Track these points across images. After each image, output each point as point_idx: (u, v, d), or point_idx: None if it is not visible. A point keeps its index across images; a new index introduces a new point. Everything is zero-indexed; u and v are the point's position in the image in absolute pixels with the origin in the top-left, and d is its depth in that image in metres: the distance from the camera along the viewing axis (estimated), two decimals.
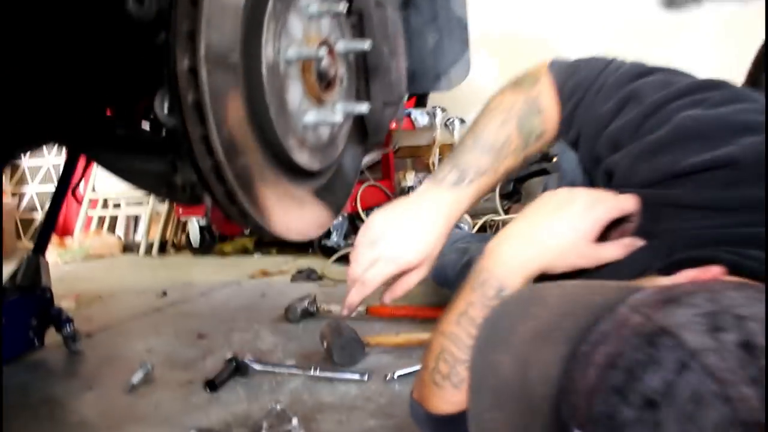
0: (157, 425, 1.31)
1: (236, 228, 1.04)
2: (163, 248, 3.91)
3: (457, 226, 2.13)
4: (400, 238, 1.00)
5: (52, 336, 1.83)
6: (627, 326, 0.55)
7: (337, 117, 0.88)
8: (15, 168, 4.86)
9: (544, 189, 2.17)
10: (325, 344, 1.61)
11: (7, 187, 4.75)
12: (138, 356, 1.75)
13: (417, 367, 1.44)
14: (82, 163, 1.97)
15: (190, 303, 2.41)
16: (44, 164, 4.74)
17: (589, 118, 1.07)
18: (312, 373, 1.48)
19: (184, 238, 3.96)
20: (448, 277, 1.90)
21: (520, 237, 0.91)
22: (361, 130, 1.18)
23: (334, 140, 1.01)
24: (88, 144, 1.28)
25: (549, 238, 0.89)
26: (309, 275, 2.71)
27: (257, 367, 1.51)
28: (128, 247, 4.03)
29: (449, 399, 0.88)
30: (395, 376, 1.45)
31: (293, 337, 1.83)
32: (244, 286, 2.69)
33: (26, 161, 4.81)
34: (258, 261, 3.37)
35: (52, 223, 1.95)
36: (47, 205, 3.96)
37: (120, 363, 1.71)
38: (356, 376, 1.45)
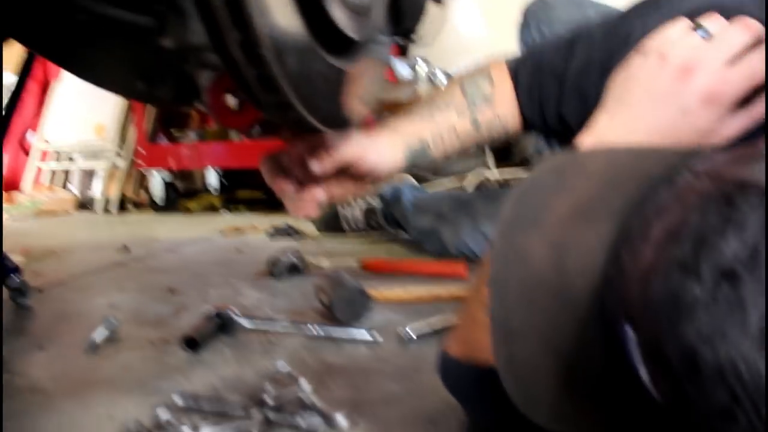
0: (127, 391, 1.04)
1: (243, 121, 0.79)
2: (122, 206, 3.62)
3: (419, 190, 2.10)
4: None
5: None
6: (693, 192, 0.43)
7: None
8: None
9: (537, 151, 2.08)
10: (323, 298, 1.36)
11: None
12: (99, 312, 1.48)
13: (437, 325, 1.24)
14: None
15: (156, 258, 2.14)
16: None
17: (544, 73, 1.12)
18: (313, 331, 1.23)
19: (145, 195, 3.67)
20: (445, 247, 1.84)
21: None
22: (393, 11, 0.92)
23: (369, 6, 0.76)
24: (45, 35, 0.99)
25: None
26: (287, 231, 2.46)
27: (246, 323, 1.26)
28: (84, 205, 3.72)
29: None
30: (414, 335, 1.20)
31: (280, 293, 1.57)
32: (216, 243, 2.43)
33: None
34: (227, 219, 3.10)
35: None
36: None
37: (78, 320, 1.44)
38: (366, 335, 1.20)
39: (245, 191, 3.53)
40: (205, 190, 3.50)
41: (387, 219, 2.18)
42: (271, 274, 1.73)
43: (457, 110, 1.14)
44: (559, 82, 1.16)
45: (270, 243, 2.35)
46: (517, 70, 1.24)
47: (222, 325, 1.25)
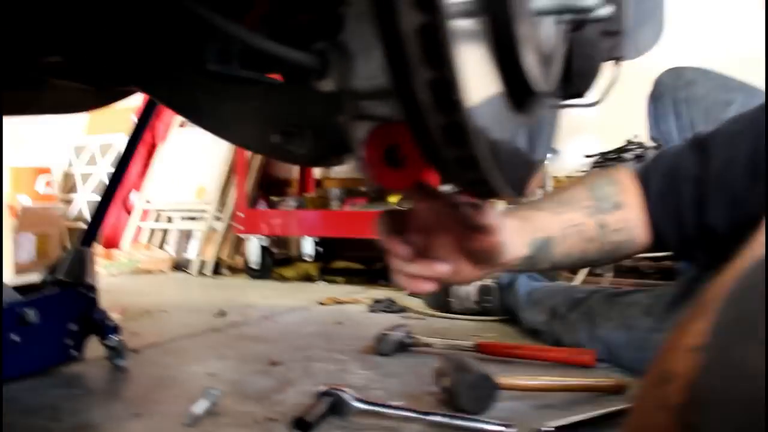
0: None
1: (403, 180, 0.70)
2: (217, 269, 3.59)
3: (535, 278, 1.99)
4: None
5: (91, 348, 1.49)
6: None
7: (588, 1, 0.53)
8: (67, 175, 4.62)
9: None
10: (443, 383, 1.23)
11: (57, 193, 4.50)
12: (197, 381, 1.39)
13: (577, 417, 1.10)
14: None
15: (254, 326, 2.06)
16: (96, 172, 4.48)
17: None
18: (435, 418, 1.10)
19: (240, 259, 3.65)
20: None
21: None
22: (566, 69, 0.82)
23: (552, 57, 0.66)
24: (172, 82, 0.94)
25: None
26: (389, 305, 2.35)
27: (360, 405, 1.14)
28: (179, 265, 3.71)
29: None
30: (552, 427, 1.06)
31: (390, 373, 1.45)
32: (314, 313, 2.33)
33: (79, 168, 4.56)
34: (323, 288, 3.02)
35: (104, 209, 1.61)
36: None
37: (175, 387, 1.35)
38: (498, 427, 1.07)
39: (341, 261, 3.46)
40: (300, 258, 3.45)
41: (500, 303, 2.05)
42: (377, 351, 1.61)
43: (584, 211, 1.08)
44: (698, 187, 1.08)
45: (371, 317, 2.24)
46: (646, 175, 1.16)
47: (333, 405, 1.14)
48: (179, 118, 4.05)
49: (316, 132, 0.77)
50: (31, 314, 1.33)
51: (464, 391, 1.17)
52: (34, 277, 1.52)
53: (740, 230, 0.88)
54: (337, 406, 1.13)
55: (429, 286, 0.89)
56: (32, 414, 1.18)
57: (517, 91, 0.57)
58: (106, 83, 1.10)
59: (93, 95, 1.32)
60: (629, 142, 2.88)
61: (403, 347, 1.63)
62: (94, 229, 1.62)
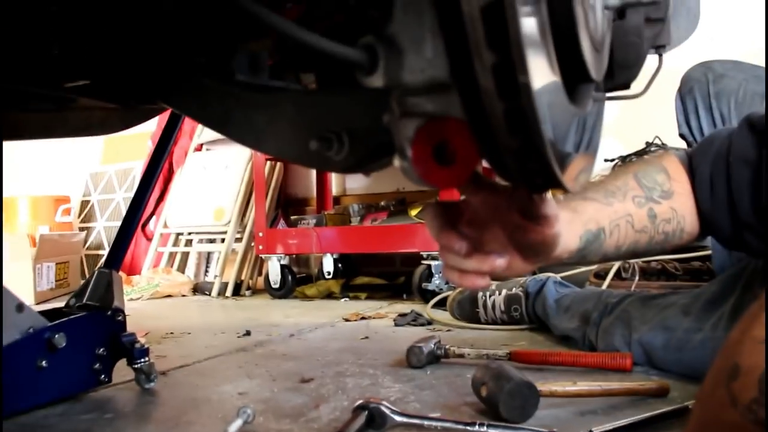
0: None
1: (453, 177, 0.67)
2: (237, 290, 3.57)
3: (564, 285, 1.96)
4: None
5: (118, 371, 1.47)
6: None
7: None
8: (84, 203, 4.63)
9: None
10: (481, 392, 1.20)
11: (75, 221, 4.51)
12: (229, 400, 1.37)
13: (622, 422, 1.07)
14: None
15: (280, 344, 2.03)
16: (115, 198, 4.49)
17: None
18: (477, 428, 1.07)
19: (260, 280, 3.64)
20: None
21: None
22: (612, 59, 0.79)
23: (602, 44, 0.64)
24: (202, 96, 0.93)
25: None
26: (415, 319, 2.32)
27: (399, 418, 1.11)
28: (199, 288, 3.69)
29: None
30: None
31: (424, 386, 1.42)
32: (340, 329, 2.30)
33: (96, 196, 4.57)
34: (346, 305, 3.00)
35: (128, 231, 1.60)
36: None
37: (207, 407, 1.33)
38: None
39: (363, 277, 3.44)
40: (321, 275, 3.43)
41: (528, 312, 2.02)
42: (409, 364, 1.58)
43: (634, 201, 1.06)
44: (755, 169, 1.04)
45: (398, 330, 2.21)
46: (693, 161, 1.13)
47: (371, 419, 1.11)
48: (195, 142, 4.06)
49: (352, 137, 0.75)
50: (59, 339, 1.31)
51: (505, 399, 1.14)
52: (54, 305, 1.50)
53: None
54: (375, 420, 1.10)
55: (483, 282, 0.86)
56: None
57: (573, 78, 0.55)
58: (133, 101, 1.09)
59: (118, 115, 1.31)
60: (649, 144, 2.85)
61: (435, 359, 1.60)
62: (118, 252, 1.60)
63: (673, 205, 1.09)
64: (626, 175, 1.11)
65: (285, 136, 0.84)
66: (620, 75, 0.82)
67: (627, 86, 0.87)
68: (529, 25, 0.45)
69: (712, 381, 0.66)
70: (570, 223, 0.97)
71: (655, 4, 0.55)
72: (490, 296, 2.11)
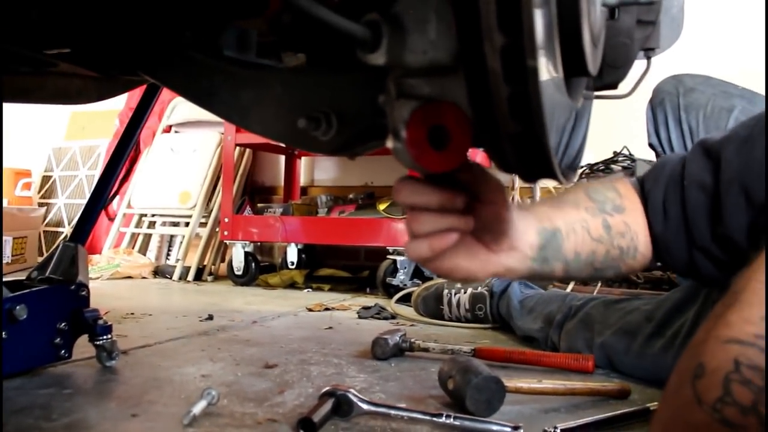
0: None
1: (447, 161, 0.67)
2: (199, 275, 3.54)
3: (529, 286, 2.00)
4: None
5: (78, 347, 1.44)
6: None
7: None
8: (46, 178, 4.54)
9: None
10: (449, 385, 1.21)
11: (35, 196, 4.43)
12: (192, 382, 1.35)
13: (585, 420, 1.09)
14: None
15: (243, 330, 2.02)
16: (78, 175, 4.41)
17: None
18: (444, 419, 1.07)
19: (222, 266, 3.61)
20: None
21: None
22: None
23: (599, 40, 0.64)
24: (187, 69, 0.91)
25: None
26: (378, 312, 2.32)
27: (365, 406, 1.11)
28: (160, 271, 3.65)
29: None
30: (559, 430, 1.04)
31: (389, 377, 1.42)
32: (303, 318, 2.30)
33: (58, 172, 4.49)
34: (309, 296, 2.99)
35: (98, 205, 1.57)
36: (77, 219, 3.67)
37: (170, 388, 1.31)
38: (507, 429, 1.04)
39: (327, 269, 3.44)
40: (284, 265, 3.41)
41: (493, 312, 2.03)
42: (374, 355, 1.59)
43: (588, 211, 1.05)
44: (711, 195, 1.05)
45: (361, 323, 2.21)
46: (644, 185, 1.13)
47: (338, 406, 1.11)
48: (164, 123, 4.01)
49: (341, 118, 0.75)
50: (20, 310, 1.28)
51: (472, 393, 1.14)
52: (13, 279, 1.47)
53: (760, 235, 0.86)
54: (342, 407, 1.10)
55: (452, 238, 0.84)
56: (21, 413, 1.13)
57: (570, 70, 0.55)
58: (116, 71, 1.07)
59: (97, 84, 1.28)
60: (617, 154, 2.89)
61: (400, 352, 1.61)
62: (85, 226, 1.58)
63: (626, 219, 1.09)
64: (577, 191, 1.11)
65: (271, 114, 0.83)
66: (609, 75, 0.83)
67: (614, 86, 0.88)
68: (538, 12, 0.45)
69: (677, 380, 0.67)
70: (525, 219, 0.97)
71: (651, 5, 0.56)
72: (455, 294, 2.12)
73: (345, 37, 0.55)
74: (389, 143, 0.62)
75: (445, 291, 2.15)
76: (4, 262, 3.59)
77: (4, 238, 3.59)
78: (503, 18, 0.42)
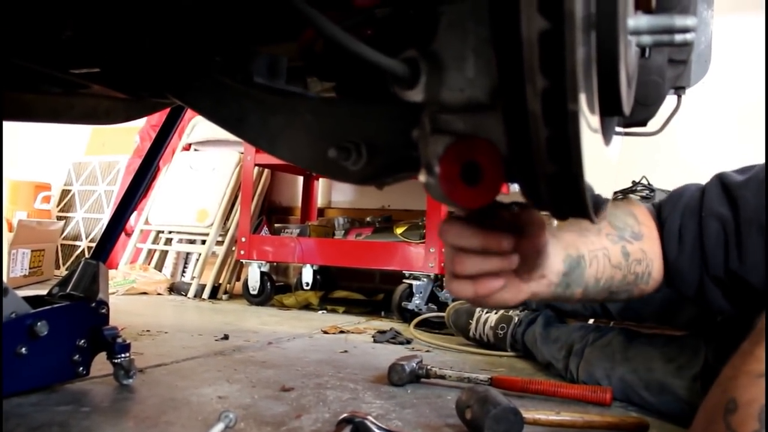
0: None
1: (479, 198, 0.67)
2: (214, 293, 3.55)
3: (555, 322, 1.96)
4: None
5: (95, 364, 1.45)
6: None
7: (688, 22, 0.52)
8: (65, 192, 4.58)
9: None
10: (467, 414, 1.20)
11: (54, 209, 4.46)
12: (208, 403, 1.36)
13: None
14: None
15: (259, 351, 2.02)
16: (97, 190, 4.45)
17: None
18: None
19: (238, 285, 3.62)
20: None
21: None
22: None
23: (633, 80, 0.64)
24: (218, 93, 0.92)
25: None
26: (394, 336, 2.32)
27: None
28: (175, 288, 3.66)
29: None
30: None
31: (406, 404, 1.42)
32: (318, 341, 2.29)
33: (78, 186, 4.53)
34: (324, 317, 2.99)
35: (121, 223, 1.58)
36: (94, 233, 3.67)
37: (187, 409, 1.31)
38: None
39: (342, 291, 3.44)
40: (299, 286, 3.42)
41: (515, 336, 2.03)
42: (390, 381, 1.58)
43: (609, 238, 1.08)
44: (727, 227, 1.08)
45: (377, 347, 2.20)
46: (661, 211, 1.16)
47: (356, 431, 1.11)
48: (184, 141, 4.04)
49: (371, 149, 0.75)
50: (41, 326, 1.29)
51: (490, 424, 1.14)
52: (31, 293, 1.48)
53: None
54: None
55: (498, 283, 0.85)
56: (40, 430, 1.14)
57: (605, 110, 0.55)
58: (145, 93, 1.08)
59: (125, 105, 1.30)
60: (636, 183, 2.89)
61: (416, 378, 1.60)
62: (107, 244, 1.59)
63: (643, 246, 1.12)
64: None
65: (301, 142, 0.83)
66: (639, 112, 0.83)
67: (644, 123, 0.88)
68: (579, 55, 0.45)
69: (707, 416, 0.66)
70: (553, 245, 0.99)
71: (685, 45, 0.56)
72: (485, 312, 2.14)
73: (380, 71, 0.56)
74: (422, 177, 0.63)
75: (477, 309, 2.18)
76: (20, 274, 3.62)
77: (22, 250, 3.61)
78: (546, 61, 0.43)
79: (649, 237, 1.14)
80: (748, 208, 1.07)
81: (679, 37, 0.57)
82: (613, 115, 0.58)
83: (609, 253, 1.07)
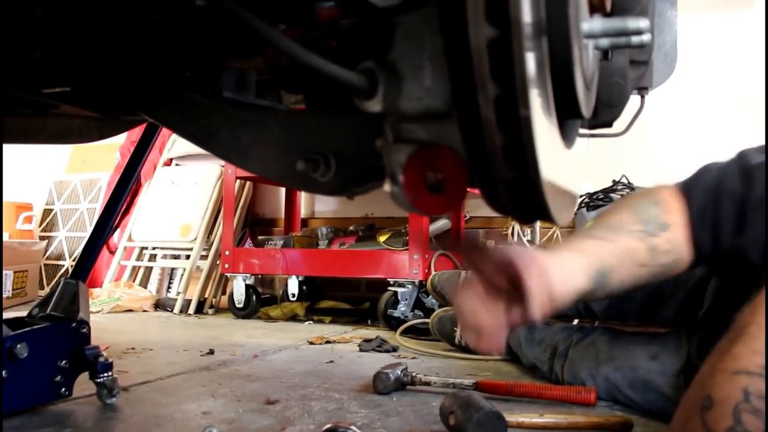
0: None
1: (443, 204, 0.68)
2: (200, 308, 3.53)
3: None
4: None
5: (78, 384, 1.44)
6: None
7: (641, 24, 0.53)
8: (47, 211, 4.55)
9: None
10: (450, 420, 1.20)
11: (36, 229, 4.43)
12: (193, 419, 1.35)
13: None
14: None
15: (244, 364, 2.01)
16: (79, 208, 4.42)
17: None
18: None
19: (223, 298, 3.61)
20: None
21: None
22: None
23: (592, 83, 0.65)
24: (187, 109, 0.92)
25: None
26: (380, 345, 2.31)
27: None
28: (161, 304, 3.64)
29: None
30: None
31: (391, 412, 1.42)
32: (305, 352, 2.29)
33: (59, 205, 4.50)
34: (310, 328, 2.98)
35: (100, 241, 1.57)
36: (78, 252, 3.64)
37: (171, 426, 1.31)
38: None
39: (328, 301, 3.43)
40: (285, 297, 3.41)
41: None
42: (375, 390, 1.58)
43: (634, 236, 1.08)
44: (739, 209, 1.09)
45: (363, 356, 2.20)
46: (689, 191, 1.17)
47: None
48: (165, 156, 4.03)
49: (339, 160, 0.75)
50: (21, 348, 1.28)
51: (473, 428, 1.14)
52: (13, 314, 1.47)
53: None
54: None
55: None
56: None
57: (564, 114, 0.56)
58: (116, 111, 1.08)
59: (98, 124, 1.29)
60: (616, 183, 2.91)
61: (401, 386, 1.60)
62: (86, 263, 1.58)
63: (670, 236, 1.13)
64: (623, 210, 1.15)
65: (271, 155, 0.84)
66: (604, 114, 0.84)
67: (610, 125, 0.89)
68: (530, 61, 0.46)
69: (685, 413, 0.67)
70: (578, 263, 1.01)
71: (642, 47, 0.57)
72: None
73: (339, 83, 0.56)
74: (386, 187, 0.63)
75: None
76: (4, 296, 3.59)
77: (4, 272, 3.58)
78: (496, 68, 0.43)
79: (675, 223, 1.14)
80: (758, 187, 1.09)
81: (636, 39, 0.57)
82: (571, 118, 0.58)
83: (636, 255, 1.09)
